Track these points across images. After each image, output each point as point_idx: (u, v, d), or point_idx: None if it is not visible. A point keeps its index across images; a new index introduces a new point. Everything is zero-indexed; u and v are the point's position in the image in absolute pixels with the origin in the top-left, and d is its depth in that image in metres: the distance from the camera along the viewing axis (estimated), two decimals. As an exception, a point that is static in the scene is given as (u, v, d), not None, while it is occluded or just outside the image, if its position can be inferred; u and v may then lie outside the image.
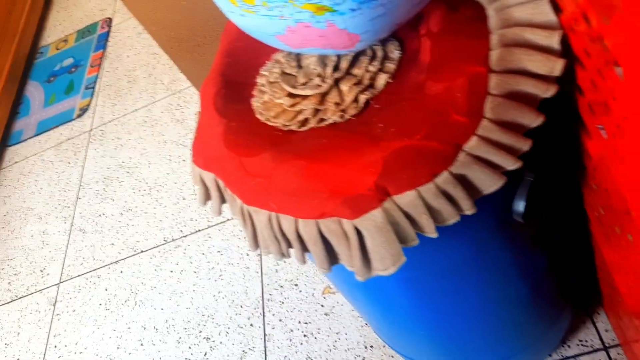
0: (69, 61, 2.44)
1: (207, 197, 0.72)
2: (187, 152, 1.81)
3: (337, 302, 1.29)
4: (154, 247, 1.63)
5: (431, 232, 0.56)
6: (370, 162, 0.54)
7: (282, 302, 1.35)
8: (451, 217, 0.56)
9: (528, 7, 0.56)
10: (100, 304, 1.58)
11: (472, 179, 0.54)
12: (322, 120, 0.60)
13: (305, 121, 0.60)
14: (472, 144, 0.53)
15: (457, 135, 0.53)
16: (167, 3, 0.82)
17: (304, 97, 0.62)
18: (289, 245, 0.62)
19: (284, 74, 0.64)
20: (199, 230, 1.60)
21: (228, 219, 1.57)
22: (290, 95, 0.62)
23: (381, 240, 0.55)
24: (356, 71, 0.61)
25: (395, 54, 0.61)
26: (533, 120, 0.53)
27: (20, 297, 1.72)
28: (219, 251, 1.52)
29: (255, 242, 0.65)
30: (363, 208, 0.54)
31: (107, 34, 2.45)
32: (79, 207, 1.88)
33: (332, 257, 0.60)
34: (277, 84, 0.64)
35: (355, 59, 0.62)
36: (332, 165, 0.55)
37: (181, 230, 1.63)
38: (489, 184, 0.55)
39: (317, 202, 0.56)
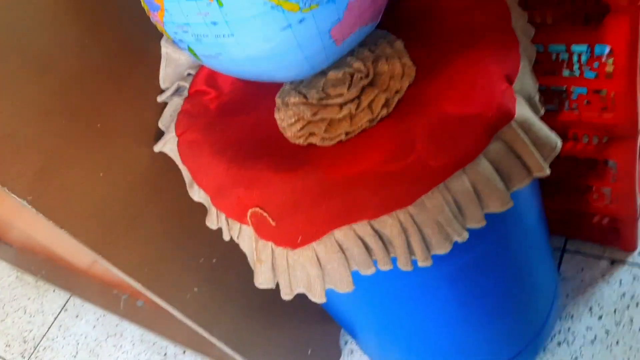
0: None
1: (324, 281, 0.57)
2: None
3: None
4: None
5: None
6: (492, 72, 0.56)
7: None
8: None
9: None
10: None
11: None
12: (396, 92, 0.59)
13: (388, 102, 0.58)
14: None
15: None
16: (83, 182, 0.66)
17: (359, 94, 0.59)
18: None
19: (318, 100, 0.60)
20: None
21: None
22: (349, 102, 0.59)
23: (539, 125, 0.56)
24: (367, 53, 0.62)
25: (378, 32, 0.65)
26: None
27: None
28: None
29: (428, 250, 0.55)
30: (511, 103, 0.55)
31: None
32: None
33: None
34: (326, 109, 0.59)
35: (359, 53, 0.63)
36: (464, 97, 0.55)
37: None
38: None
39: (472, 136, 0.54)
